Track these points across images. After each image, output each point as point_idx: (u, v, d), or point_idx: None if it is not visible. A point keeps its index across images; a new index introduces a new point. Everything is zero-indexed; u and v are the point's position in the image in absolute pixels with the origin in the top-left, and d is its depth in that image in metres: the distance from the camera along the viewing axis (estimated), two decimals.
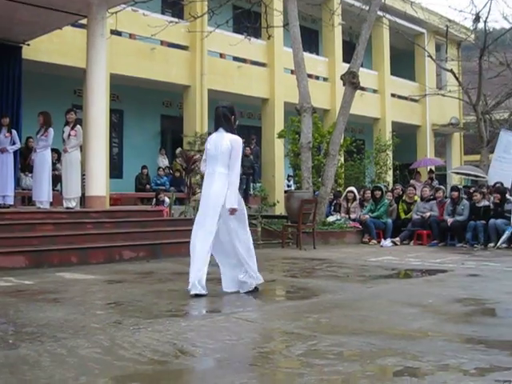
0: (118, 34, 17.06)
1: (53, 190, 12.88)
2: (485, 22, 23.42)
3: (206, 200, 6.68)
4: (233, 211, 6.58)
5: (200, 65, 19.29)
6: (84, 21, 13.67)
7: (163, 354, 4.05)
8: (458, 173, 24.75)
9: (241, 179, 20.99)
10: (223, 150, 6.63)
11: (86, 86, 13.24)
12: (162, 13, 19.81)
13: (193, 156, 17.43)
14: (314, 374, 3.63)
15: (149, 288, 7.14)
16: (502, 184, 16.22)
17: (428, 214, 14.81)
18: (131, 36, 18.07)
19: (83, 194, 12.80)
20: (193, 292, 6.37)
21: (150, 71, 18.06)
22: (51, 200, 12.48)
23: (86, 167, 12.87)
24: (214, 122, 6.97)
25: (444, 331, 4.83)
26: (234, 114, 6.97)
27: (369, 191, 16.18)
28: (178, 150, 19.18)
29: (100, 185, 12.92)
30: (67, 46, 15.62)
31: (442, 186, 17.74)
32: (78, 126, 12.51)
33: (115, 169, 19.16)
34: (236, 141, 6.70)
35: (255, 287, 6.74)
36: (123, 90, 18.95)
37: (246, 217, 6.88)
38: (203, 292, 6.38)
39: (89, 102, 12.97)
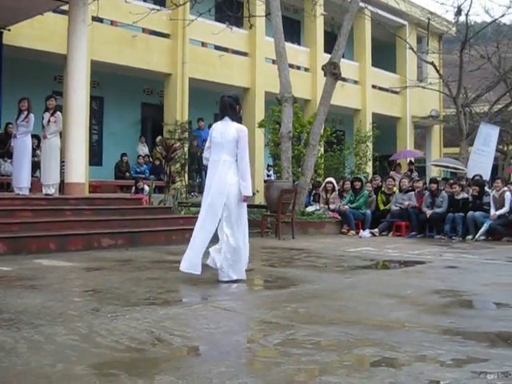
0: (100, 20, 16.92)
1: (32, 176, 12.78)
2: (466, 15, 23.55)
3: (209, 187, 6.91)
4: (246, 199, 6.91)
5: (181, 53, 19.20)
6: (66, 7, 13.55)
7: (140, 341, 4.04)
8: (436, 165, 24.90)
9: None
10: (229, 138, 6.86)
11: (66, 73, 13.16)
12: (144, 0, 19.68)
13: (173, 144, 17.39)
14: (291, 363, 3.64)
15: (127, 276, 7.12)
16: (480, 177, 16.33)
17: (406, 203, 14.87)
18: (113, 23, 17.94)
19: (62, 181, 12.73)
20: (183, 269, 6.76)
21: (131, 58, 17.96)
22: (30, 186, 12.40)
23: (66, 154, 12.80)
24: (220, 111, 7.18)
25: (421, 322, 4.86)
26: (238, 103, 7.20)
27: (348, 182, 16.23)
28: (158, 138, 19.12)
29: (79, 172, 12.87)
30: (48, 32, 15.49)
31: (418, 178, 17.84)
32: (58, 112, 12.43)
33: (95, 156, 19.08)
34: (242, 130, 6.96)
35: (235, 279, 6.79)
36: (104, 76, 18.83)
37: (246, 206, 7.09)
38: (196, 272, 6.69)
39: (69, 89, 12.88)
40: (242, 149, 6.87)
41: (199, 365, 3.59)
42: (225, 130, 6.91)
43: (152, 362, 3.68)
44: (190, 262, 6.73)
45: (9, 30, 14.80)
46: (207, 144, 7.16)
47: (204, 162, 7.38)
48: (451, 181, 16.34)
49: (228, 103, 7.02)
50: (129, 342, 4.03)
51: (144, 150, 20.15)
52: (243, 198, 6.82)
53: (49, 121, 12.17)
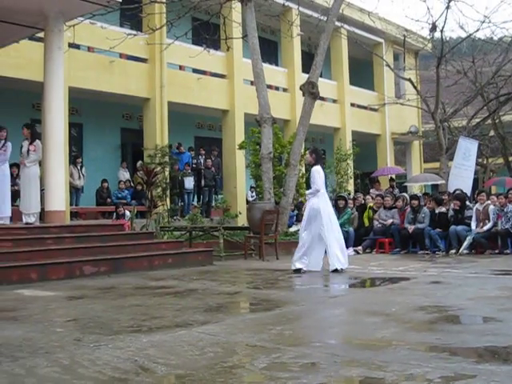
0: (77, 47, 16.94)
1: (12, 205, 12.65)
2: (441, 31, 23.73)
3: (329, 211, 10.32)
4: None
5: (159, 77, 19.21)
6: (41, 34, 13.51)
7: (124, 371, 3.97)
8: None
9: (203, 191, 20.97)
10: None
11: (44, 100, 13.06)
12: (121, 25, 19.71)
13: (153, 169, 17.34)
14: None
15: (110, 303, 7.03)
16: (461, 191, 16.38)
17: (389, 221, 14.91)
18: (89, 49, 17.93)
19: (43, 209, 12.61)
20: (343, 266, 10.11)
21: (109, 84, 17.94)
22: (11, 215, 12.29)
23: (46, 182, 12.67)
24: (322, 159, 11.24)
25: (408, 340, 4.82)
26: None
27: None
28: (139, 163, 19.09)
29: (59, 199, 12.74)
30: (25, 60, 15.45)
31: (405, 194, 17.84)
32: (38, 140, 12.33)
33: None
34: None
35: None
36: (82, 103, 18.80)
37: None
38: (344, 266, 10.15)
39: (47, 116, 12.76)
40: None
41: None
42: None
43: None
44: (344, 259, 10.18)
45: None
46: (322, 182, 10.33)
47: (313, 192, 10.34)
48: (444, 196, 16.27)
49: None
50: (112, 371, 3.95)
51: (125, 175, 20.06)
52: None
53: (28, 150, 12.09)
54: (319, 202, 10.16)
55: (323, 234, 10.09)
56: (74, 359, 4.29)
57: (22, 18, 12.70)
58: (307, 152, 11.35)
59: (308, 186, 10.81)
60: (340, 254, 10.14)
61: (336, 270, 9.96)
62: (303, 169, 19.86)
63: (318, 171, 10.32)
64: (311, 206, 10.26)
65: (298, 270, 10.06)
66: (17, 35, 13.90)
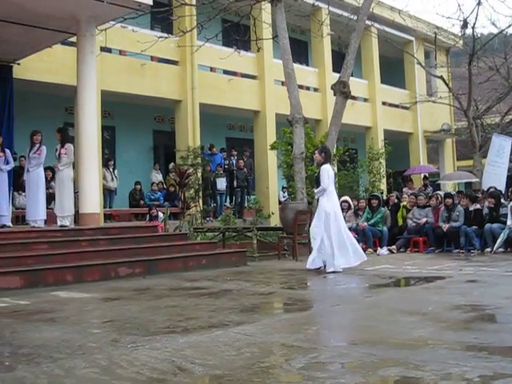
0: (108, 50, 17.07)
1: (47, 208, 12.80)
2: (473, 27, 23.46)
3: (337, 210, 10.56)
4: None
5: (191, 79, 19.28)
6: (73, 38, 13.66)
7: (162, 371, 3.99)
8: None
9: (235, 192, 20.96)
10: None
11: (76, 104, 13.19)
12: (152, 28, 19.81)
13: (186, 170, 17.40)
14: None
15: (145, 305, 7.07)
16: (495, 188, 16.19)
17: (423, 220, 14.78)
18: (121, 52, 18.06)
19: (77, 212, 12.73)
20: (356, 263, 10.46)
21: (141, 87, 18.05)
22: (46, 218, 12.43)
23: (80, 184, 12.81)
24: (330, 158, 11.30)
25: (445, 339, 4.78)
26: None
27: (363, 200, 16.14)
28: (171, 165, 19.17)
29: (93, 202, 12.86)
30: (57, 65, 15.62)
31: (439, 192, 17.67)
32: (69, 144, 12.44)
33: None
34: None
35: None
36: (115, 106, 18.93)
37: None
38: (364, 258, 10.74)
39: (80, 120, 12.90)
40: None
41: None
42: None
43: None
44: (354, 255, 10.42)
45: (18, 64, 14.92)
46: (329, 180, 10.43)
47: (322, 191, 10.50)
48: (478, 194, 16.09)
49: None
50: (150, 372, 3.98)
51: (158, 177, 20.15)
52: None
53: (60, 153, 12.23)
54: (327, 202, 10.43)
55: (327, 234, 10.25)
56: (111, 360, 4.32)
57: (55, 23, 12.86)
58: (316, 151, 11.18)
59: (318, 185, 10.64)
60: (338, 255, 10.19)
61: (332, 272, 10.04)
62: (335, 168, 19.79)
63: (326, 170, 10.52)
64: (322, 206, 10.47)
65: (334, 272, 10.02)
66: (49, 40, 14.07)
